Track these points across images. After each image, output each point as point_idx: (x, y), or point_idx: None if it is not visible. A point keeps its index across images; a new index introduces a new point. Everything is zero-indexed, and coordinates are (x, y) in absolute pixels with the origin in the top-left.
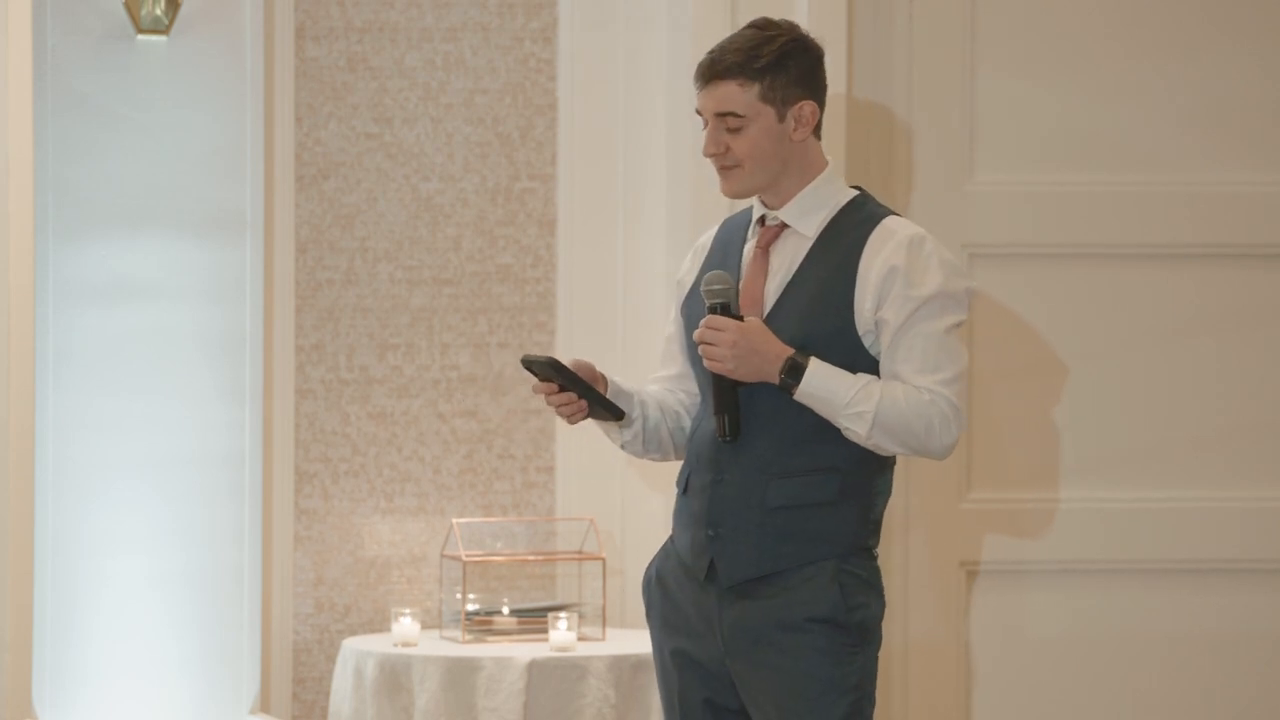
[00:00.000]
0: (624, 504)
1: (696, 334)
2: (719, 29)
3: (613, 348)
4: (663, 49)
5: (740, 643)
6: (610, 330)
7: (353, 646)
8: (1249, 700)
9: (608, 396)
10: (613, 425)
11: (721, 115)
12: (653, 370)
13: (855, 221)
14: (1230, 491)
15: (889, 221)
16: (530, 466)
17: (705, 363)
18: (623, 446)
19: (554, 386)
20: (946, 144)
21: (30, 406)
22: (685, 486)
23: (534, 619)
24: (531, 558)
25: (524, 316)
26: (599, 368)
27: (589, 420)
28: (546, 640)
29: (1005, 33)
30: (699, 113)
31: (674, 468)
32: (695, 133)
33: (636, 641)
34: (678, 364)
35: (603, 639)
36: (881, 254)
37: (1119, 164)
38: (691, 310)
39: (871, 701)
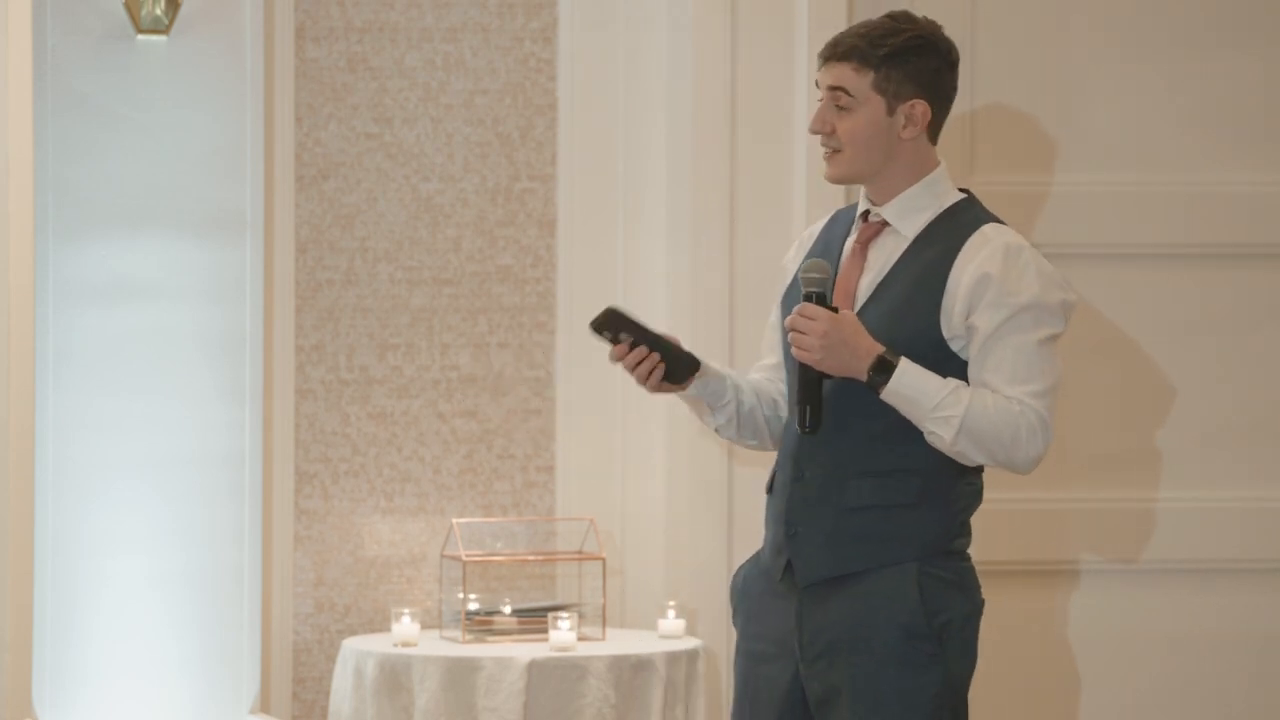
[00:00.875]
0: (624, 504)
1: (788, 321)
2: (719, 29)
3: None
4: (663, 49)
5: (816, 648)
6: None
7: (353, 646)
8: (1249, 700)
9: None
10: (705, 408)
11: (834, 90)
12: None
13: (955, 226)
14: (1230, 491)
15: (987, 228)
16: (530, 466)
17: (794, 351)
18: (717, 430)
19: (625, 348)
20: (946, 144)
21: (30, 406)
22: (770, 486)
23: (534, 619)
24: (531, 558)
25: (524, 316)
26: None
27: (591, 425)
28: (546, 640)
29: (1005, 32)
30: (817, 85)
31: (672, 469)
32: (695, 133)
33: (636, 641)
34: (778, 353)
35: (603, 639)
36: (976, 260)
37: (1119, 164)
38: (790, 299)
39: (957, 713)
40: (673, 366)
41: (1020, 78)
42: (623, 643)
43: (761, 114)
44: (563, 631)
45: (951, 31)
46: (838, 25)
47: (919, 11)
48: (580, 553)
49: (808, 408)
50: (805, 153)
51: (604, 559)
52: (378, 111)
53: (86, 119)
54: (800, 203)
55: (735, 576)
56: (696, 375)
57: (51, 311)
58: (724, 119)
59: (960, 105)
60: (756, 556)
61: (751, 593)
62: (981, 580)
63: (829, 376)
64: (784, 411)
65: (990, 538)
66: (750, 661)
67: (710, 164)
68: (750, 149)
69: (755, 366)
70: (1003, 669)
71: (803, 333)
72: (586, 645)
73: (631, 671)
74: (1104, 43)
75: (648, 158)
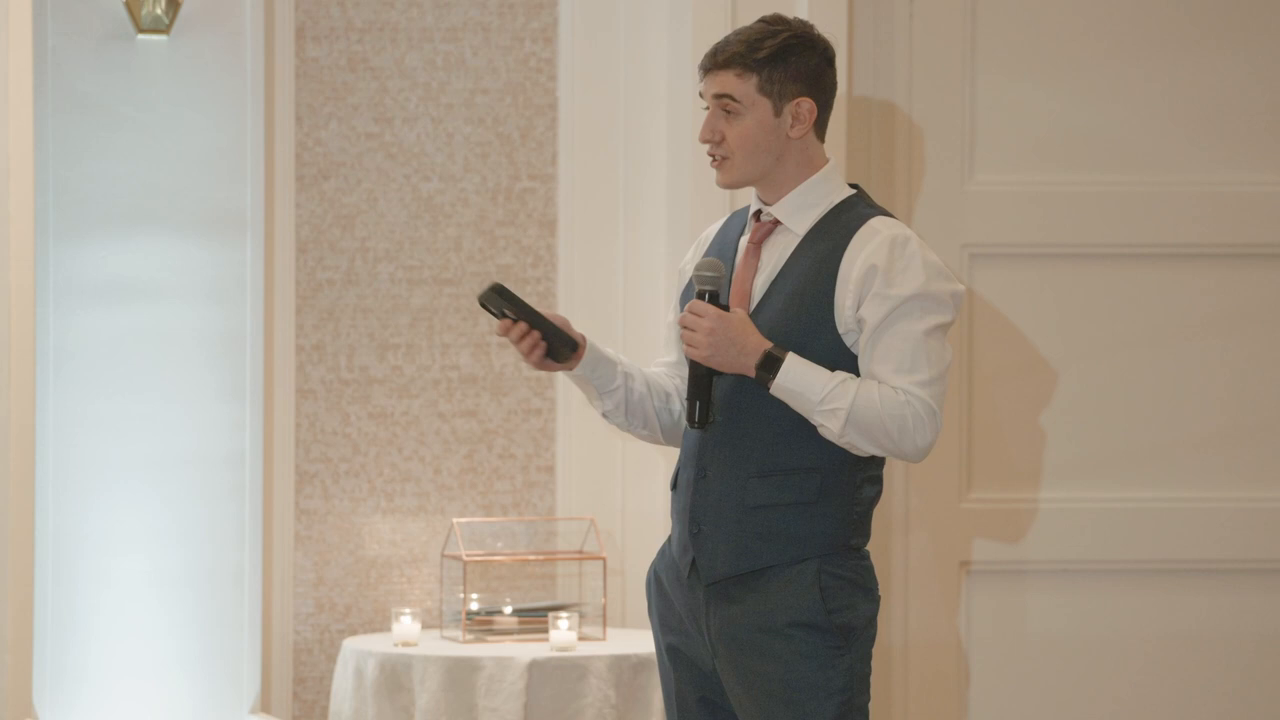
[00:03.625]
0: (624, 504)
1: (680, 318)
2: (719, 29)
3: (613, 347)
4: (663, 49)
5: (725, 645)
6: (610, 330)
7: (353, 646)
8: (1247, 700)
9: (585, 356)
10: (593, 391)
11: (720, 97)
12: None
13: (844, 221)
14: (1230, 491)
15: (875, 221)
16: (530, 466)
17: (684, 349)
18: (605, 415)
19: (509, 324)
20: (946, 144)
21: (30, 406)
22: (674, 482)
23: (534, 619)
24: (532, 557)
25: None
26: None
27: (591, 425)
28: (547, 640)
29: (1005, 32)
30: (701, 95)
31: (672, 468)
32: (696, 133)
33: (637, 641)
34: (675, 350)
35: (603, 639)
36: (863, 253)
37: (1119, 164)
38: (688, 300)
39: (860, 705)
40: (554, 345)
41: (1020, 77)
42: (623, 642)
43: None
44: (563, 631)
45: (951, 31)
46: (838, 25)
47: (919, 11)
48: (581, 552)
49: (697, 403)
50: None
51: (604, 559)
52: (378, 111)
53: (86, 119)
54: None
55: (649, 570)
56: (582, 357)
57: (51, 311)
58: None
59: (960, 105)
60: (664, 550)
61: (663, 579)
62: (981, 580)
63: (719, 373)
64: (675, 405)
65: (989, 538)
66: (670, 654)
67: (710, 164)
68: None
69: (655, 363)
70: (1003, 667)
71: (691, 330)
72: (587, 645)
73: (632, 671)
74: (1104, 42)
75: (648, 158)
